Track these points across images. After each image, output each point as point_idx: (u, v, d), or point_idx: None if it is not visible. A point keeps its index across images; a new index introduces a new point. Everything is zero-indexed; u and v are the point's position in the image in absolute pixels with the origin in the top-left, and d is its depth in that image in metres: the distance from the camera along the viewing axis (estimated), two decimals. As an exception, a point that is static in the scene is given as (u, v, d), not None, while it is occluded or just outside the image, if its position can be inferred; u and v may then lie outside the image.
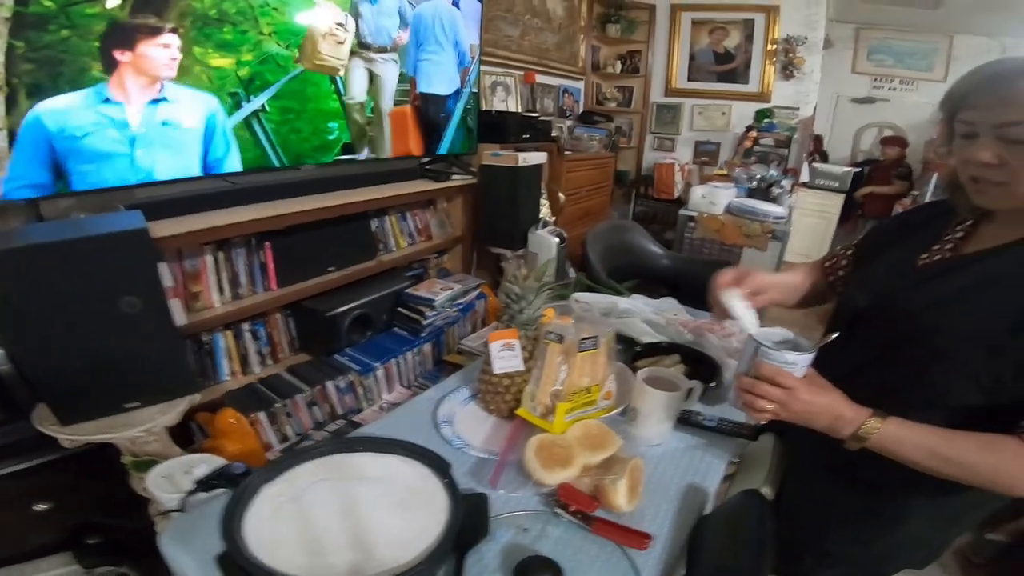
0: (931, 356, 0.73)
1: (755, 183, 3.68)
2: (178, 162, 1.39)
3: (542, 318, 0.98)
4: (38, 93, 1.09)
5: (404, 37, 2.08)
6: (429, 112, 2.14)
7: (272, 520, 0.69)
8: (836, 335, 0.76)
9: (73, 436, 1.08)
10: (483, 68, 2.82)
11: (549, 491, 0.84)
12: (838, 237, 4.61)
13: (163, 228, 1.32)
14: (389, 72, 2.07)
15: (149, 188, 1.37)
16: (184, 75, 1.36)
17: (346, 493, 0.75)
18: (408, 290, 1.97)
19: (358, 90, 1.91)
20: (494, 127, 2.51)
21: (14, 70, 1.05)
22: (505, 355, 0.97)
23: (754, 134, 4.03)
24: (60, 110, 1.13)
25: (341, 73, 1.82)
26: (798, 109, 4.02)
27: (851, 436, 0.73)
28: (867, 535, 0.89)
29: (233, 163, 1.51)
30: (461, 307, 2.07)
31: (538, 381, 0.95)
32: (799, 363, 0.74)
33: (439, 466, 0.79)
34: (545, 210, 2.63)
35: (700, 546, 0.75)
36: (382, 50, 2.03)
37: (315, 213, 1.67)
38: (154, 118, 1.31)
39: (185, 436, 1.44)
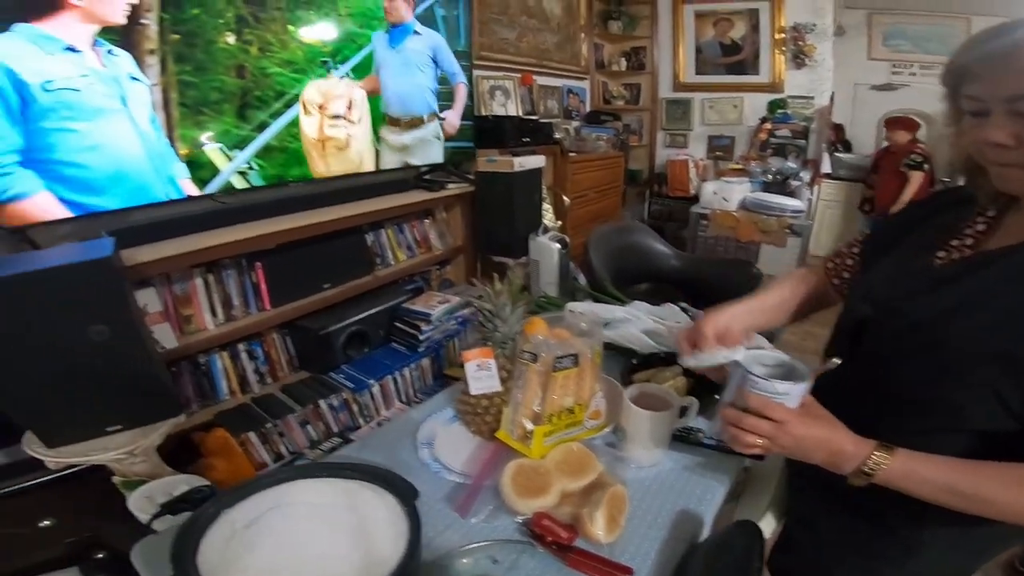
0: (947, 372, 0.63)
1: (771, 176, 3.54)
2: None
3: (521, 334, 0.92)
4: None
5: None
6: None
7: (226, 546, 0.67)
8: (838, 362, 0.67)
9: (57, 458, 1.09)
10: (479, 73, 2.78)
11: (525, 520, 0.78)
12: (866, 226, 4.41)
13: (146, 253, 1.32)
14: (430, 152, 2.03)
15: (139, 212, 1.37)
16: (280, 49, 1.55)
17: (301, 521, 0.72)
18: (405, 304, 1.93)
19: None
20: (491, 132, 2.46)
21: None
22: (481, 376, 0.91)
23: (768, 126, 3.90)
24: (26, 56, 1.10)
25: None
26: (813, 98, 3.89)
27: (854, 472, 0.64)
28: (875, 569, 0.80)
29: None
30: (461, 320, 2.02)
31: (516, 403, 0.89)
32: (792, 393, 0.65)
33: (404, 494, 0.74)
34: (549, 215, 2.57)
35: None
36: (415, 124, 2.00)
37: (303, 230, 1.65)
38: (120, 71, 1.27)
39: (187, 455, 1.44)
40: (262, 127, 1.57)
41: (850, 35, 4.80)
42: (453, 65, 2.20)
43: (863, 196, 3.90)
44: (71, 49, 1.18)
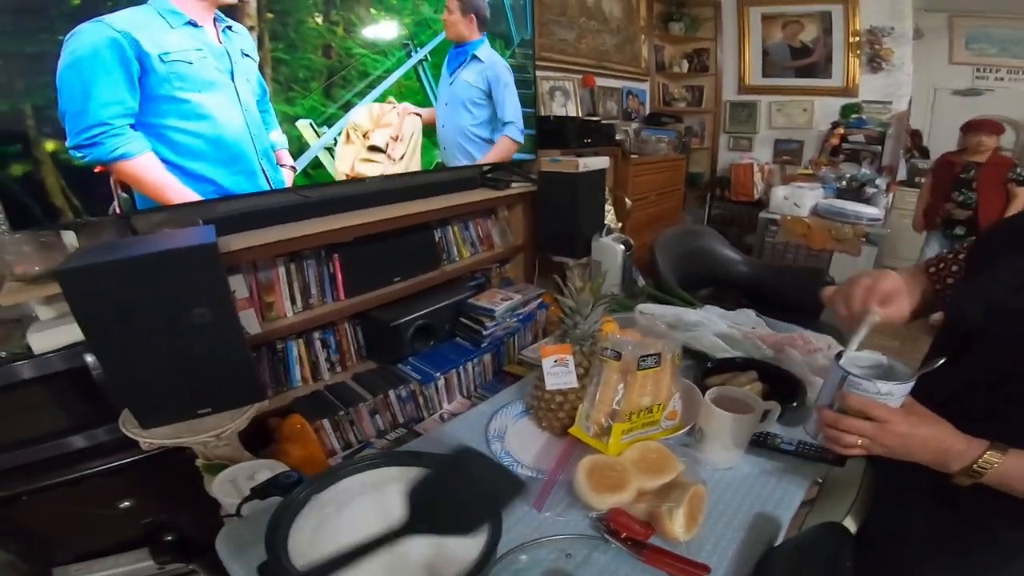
0: None
1: (845, 183, 3.39)
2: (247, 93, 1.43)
3: (599, 332, 0.93)
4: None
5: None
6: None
7: (316, 531, 0.69)
8: (942, 361, 0.65)
9: (151, 439, 1.14)
10: (539, 73, 2.78)
11: (599, 515, 0.79)
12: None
13: (238, 241, 1.39)
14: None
15: (229, 202, 1.45)
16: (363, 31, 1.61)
17: (390, 508, 0.72)
18: (470, 300, 1.97)
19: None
20: (553, 133, 2.46)
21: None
22: (558, 371, 0.92)
23: (841, 130, 3.75)
24: (151, 28, 1.20)
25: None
26: (891, 103, 3.72)
27: (962, 471, 0.64)
28: (970, 570, 0.78)
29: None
30: (521, 317, 2.04)
31: (593, 400, 0.89)
32: (895, 393, 0.65)
33: None
34: (610, 216, 2.55)
35: None
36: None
37: (380, 224, 1.71)
38: (233, 47, 1.35)
39: (260, 439, 1.50)
40: (347, 106, 1.63)
41: (929, 38, 4.55)
42: (508, 107, 2.07)
43: (949, 215, 3.12)
44: (192, 24, 1.27)
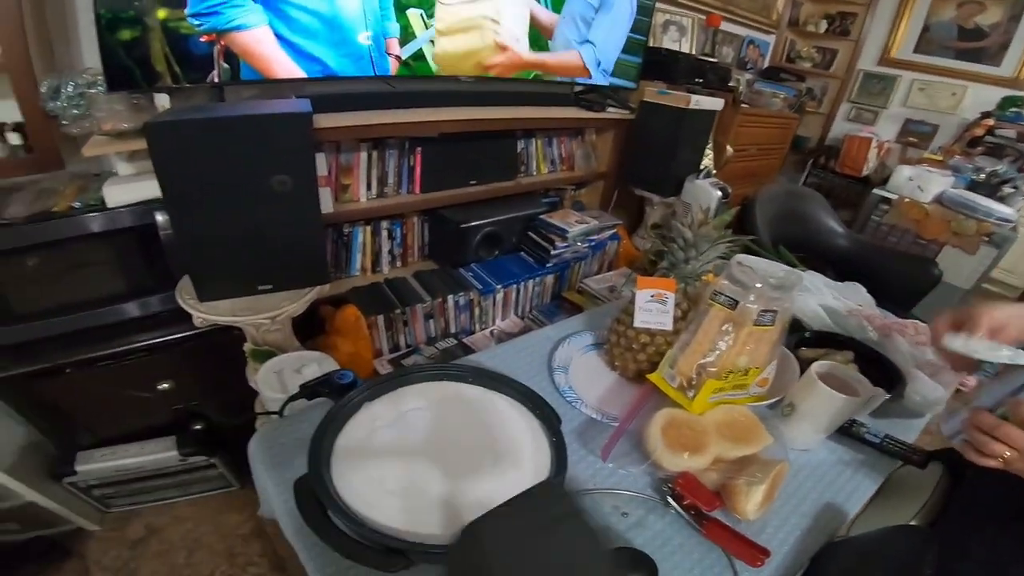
0: None
1: (983, 176, 2.99)
2: None
3: (707, 275, 0.81)
4: None
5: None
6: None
7: (362, 446, 0.64)
8: None
9: (206, 315, 1.10)
10: (657, 4, 2.51)
11: (666, 476, 0.72)
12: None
13: (327, 120, 1.33)
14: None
15: (319, 83, 1.40)
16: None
17: (447, 429, 0.68)
18: (542, 216, 1.87)
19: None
20: (661, 65, 2.24)
21: None
22: (653, 308, 0.82)
23: (990, 122, 3.29)
24: None
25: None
26: (1065, 101, 3.19)
27: None
28: None
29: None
30: (592, 244, 1.94)
31: (685, 347, 0.80)
32: None
33: (549, 420, 0.70)
34: (707, 161, 2.34)
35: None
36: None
37: (468, 124, 1.60)
38: None
39: (308, 328, 1.45)
40: (460, 2, 1.53)
41: None
42: (600, 28, 1.86)
43: None
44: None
